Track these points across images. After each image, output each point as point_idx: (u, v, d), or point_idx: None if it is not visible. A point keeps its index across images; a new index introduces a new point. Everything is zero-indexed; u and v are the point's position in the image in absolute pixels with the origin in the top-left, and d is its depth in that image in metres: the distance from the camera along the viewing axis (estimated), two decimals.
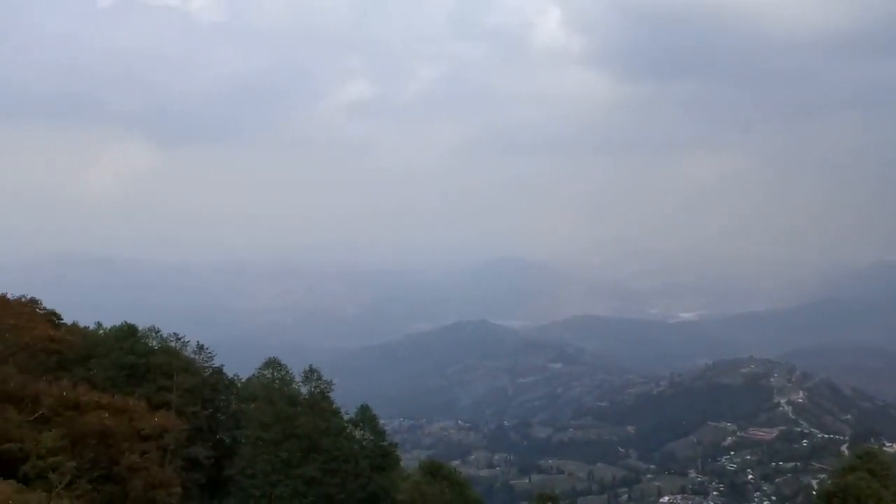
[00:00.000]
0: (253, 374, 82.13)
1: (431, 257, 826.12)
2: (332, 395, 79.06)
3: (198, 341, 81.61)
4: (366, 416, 78.51)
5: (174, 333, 79.10)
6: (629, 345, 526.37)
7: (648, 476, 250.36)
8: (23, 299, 47.69)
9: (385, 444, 78.65)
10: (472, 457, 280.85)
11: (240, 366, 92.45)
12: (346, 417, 78.61)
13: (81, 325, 76.34)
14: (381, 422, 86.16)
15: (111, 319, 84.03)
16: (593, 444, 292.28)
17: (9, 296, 44.77)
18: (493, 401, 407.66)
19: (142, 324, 79.95)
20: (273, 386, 76.54)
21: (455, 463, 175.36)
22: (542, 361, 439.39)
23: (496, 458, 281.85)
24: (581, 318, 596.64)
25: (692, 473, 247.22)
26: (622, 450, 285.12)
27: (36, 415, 41.67)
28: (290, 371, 80.00)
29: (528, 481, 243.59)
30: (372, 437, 77.51)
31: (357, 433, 77.25)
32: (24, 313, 43.01)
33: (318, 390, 77.61)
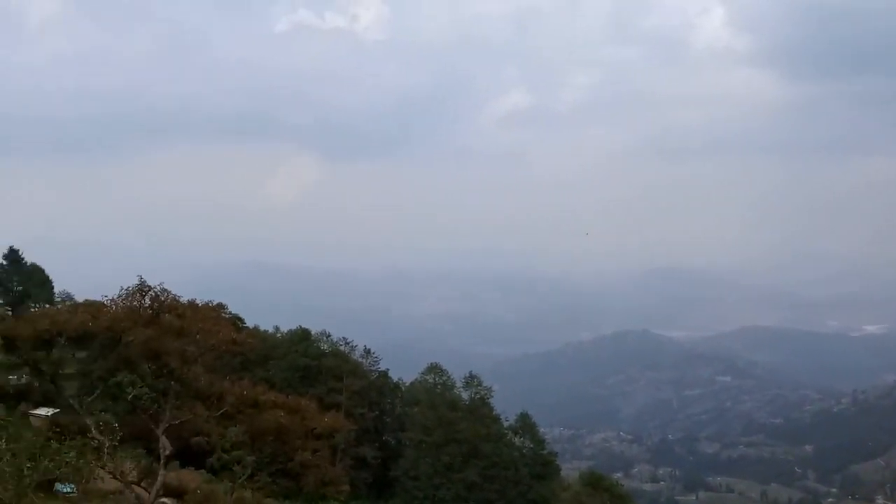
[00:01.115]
0: (416, 379, 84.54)
1: (591, 265, 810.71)
2: (491, 401, 79.79)
3: (364, 345, 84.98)
4: (525, 424, 78.50)
5: (343, 337, 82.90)
6: (805, 358, 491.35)
7: (829, 500, 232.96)
8: (210, 304, 51.35)
9: (545, 452, 78.31)
10: (635, 470, 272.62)
11: (403, 370, 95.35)
12: (505, 424, 79.03)
13: (261, 328, 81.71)
14: (541, 430, 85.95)
15: (286, 323, 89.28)
16: (766, 463, 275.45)
17: (198, 301, 48.27)
18: (657, 413, 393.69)
19: (314, 328, 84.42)
20: (435, 391, 78.31)
21: (617, 475, 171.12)
22: (708, 374, 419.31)
23: (660, 472, 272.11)
24: (750, 329, 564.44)
25: (880, 499, 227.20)
26: (799, 470, 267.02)
27: (221, 411, 44.91)
28: (451, 376, 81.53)
29: (694, 498, 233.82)
30: (532, 445, 77.41)
31: (517, 440, 77.43)
32: (211, 317, 46.22)
33: (479, 396, 78.58)
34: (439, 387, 78.72)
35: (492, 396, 79.46)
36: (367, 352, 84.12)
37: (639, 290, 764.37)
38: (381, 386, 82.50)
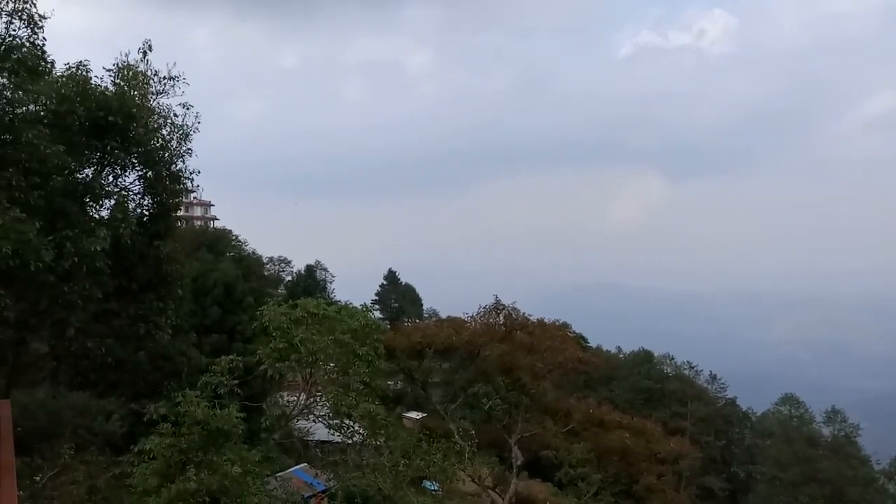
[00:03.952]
0: (768, 410, 79.43)
1: None
2: (858, 440, 72.20)
3: (710, 371, 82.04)
4: None
5: (687, 361, 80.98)
6: None
7: None
8: (556, 323, 53.32)
9: None
10: None
11: (752, 399, 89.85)
12: (877, 467, 71.11)
13: (603, 348, 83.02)
14: None
15: (627, 344, 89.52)
16: None
17: (546, 320, 50.44)
18: None
19: (656, 350, 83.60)
20: (791, 424, 73.00)
21: None
22: None
23: None
24: None
25: None
26: None
27: (567, 428, 46.65)
28: (810, 410, 75.28)
29: None
30: None
31: (891, 487, 69.11)
32: (558, 336, 47.97)
33: (843, 433, 71.74)
34: (795, 420, 73.15)
35: (859, 435, 71.75)
36: (713, 378, 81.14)
37: None
38: (729, 414, 78.94)
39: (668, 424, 63.06)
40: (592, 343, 78.46)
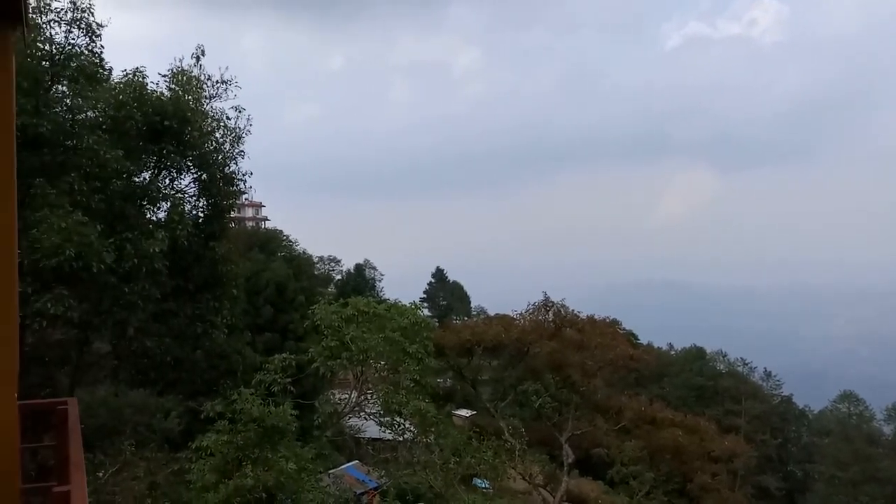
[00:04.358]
0: (826, 407, 77.63)
1: None
2: None
3: (765, 368, 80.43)
4: None
5: (741, 358, 79.56)
6: None
7: None
8: (606, 320, 52.91)
9: None
10: None
11: (809, 396, 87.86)
12: None
13: (654, 345, 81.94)
14: None
15: (679, 341, 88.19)
16: None
17: (595, 317, 50.11)
18: None
19: (708, 347, 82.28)
20: (849, 421, 71.27)
21: None
22: None
23: None
24: None
25: None
26: None
27: (619, 425, 46.19)
28: (870, 407, 73.36)
29: None
30: None
31: None
32: (607, 332, 47.60)
33: None
34: (854, 417, 71.33)
35: None
36: (768, 374, 79.61)
37: None
38: (785, 412, 77.35)
39: (721, 422, 61.88)
40: (643, 340, 77.56)
